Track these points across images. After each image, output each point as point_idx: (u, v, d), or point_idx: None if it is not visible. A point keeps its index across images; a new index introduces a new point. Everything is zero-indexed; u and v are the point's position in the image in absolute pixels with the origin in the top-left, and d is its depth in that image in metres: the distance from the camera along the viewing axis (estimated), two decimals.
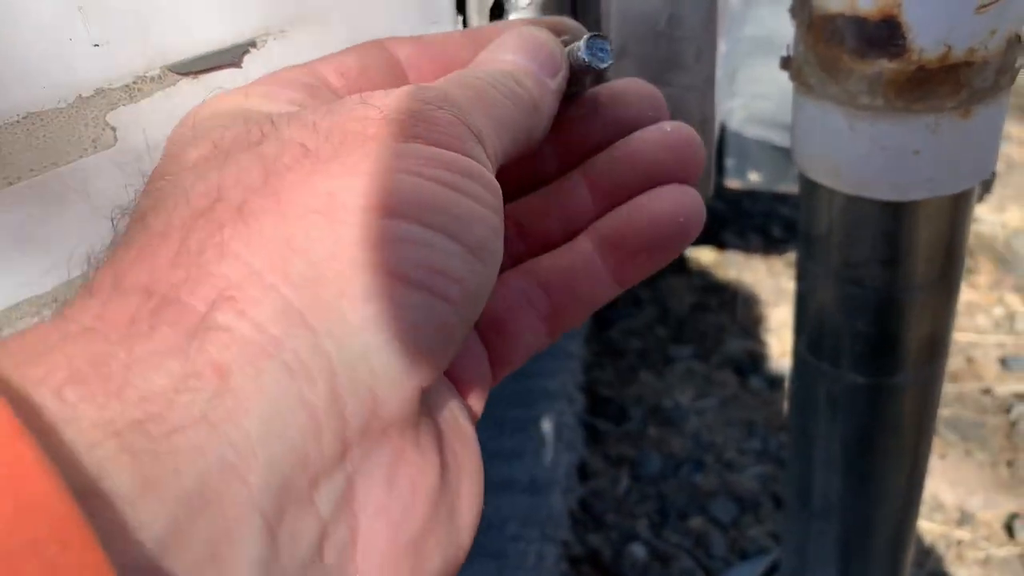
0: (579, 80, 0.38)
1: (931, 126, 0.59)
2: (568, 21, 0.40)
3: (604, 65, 0.36)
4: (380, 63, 0.36)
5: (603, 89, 0.40)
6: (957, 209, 0.66)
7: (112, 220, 0.31)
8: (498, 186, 0.29)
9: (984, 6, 0.55)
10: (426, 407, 0.27)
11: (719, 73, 0.67)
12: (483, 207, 0.27)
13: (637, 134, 0.38)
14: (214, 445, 0.21)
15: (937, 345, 0.73)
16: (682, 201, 0.36)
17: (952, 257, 0.69)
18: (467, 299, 0.26)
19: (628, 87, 0.40)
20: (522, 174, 0.40)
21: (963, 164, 0.62)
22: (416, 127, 0.27)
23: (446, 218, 0.26)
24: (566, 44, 0.38)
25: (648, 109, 0.39)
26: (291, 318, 0.23)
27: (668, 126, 0.38)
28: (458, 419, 0.30)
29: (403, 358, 0.24)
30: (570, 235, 0.38)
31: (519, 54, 0.35)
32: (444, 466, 0.27)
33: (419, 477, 0.26)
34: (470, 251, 0.26)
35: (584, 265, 0.36)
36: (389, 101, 0.28)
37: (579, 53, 0.36)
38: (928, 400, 0.78)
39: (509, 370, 0.35)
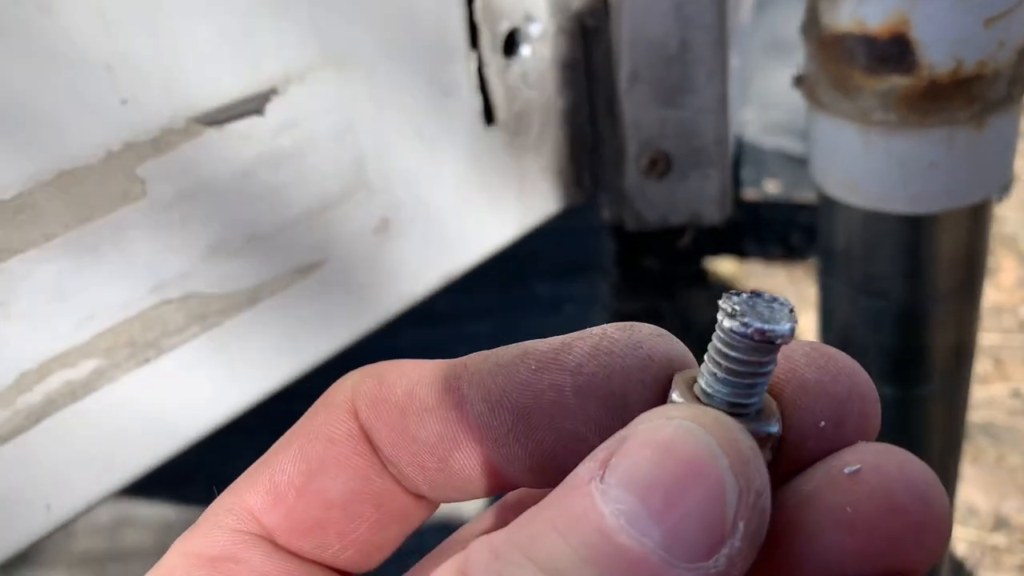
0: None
1: (946, 139, 0.59)
2: (668, 348, 0.24)
3: (784, 331, 0.21)
4: (338, 447, 0.27)
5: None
6: (976, 219, 0.66)
7: None
8: None
9: (992, 19, 0.55)
10: None
11: (732, 89, 0.68)
12: None
13: (827, 472, 0.22)
14: None
15: (962, 354, 0.73)
16: None
17: (973, 266, 0.69)
18: None
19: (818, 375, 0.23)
20: None
21: (979, 175, 0.62)
22: None
23: None
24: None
25: (854, 399, 0.23)
26: None
27: (885, 457, 0.22)
28: None
29: None
30: None
31: (635, 508, 0.19)
32: None
33: None
34: None
35: None
36: None
37: (730, 334, 0.21)
38: (955, 409, 0.77)
39: None
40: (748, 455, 0.20)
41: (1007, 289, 2.14)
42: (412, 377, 0.26)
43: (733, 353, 0.21)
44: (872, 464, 0.21)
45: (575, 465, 0.21)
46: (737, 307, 0.21)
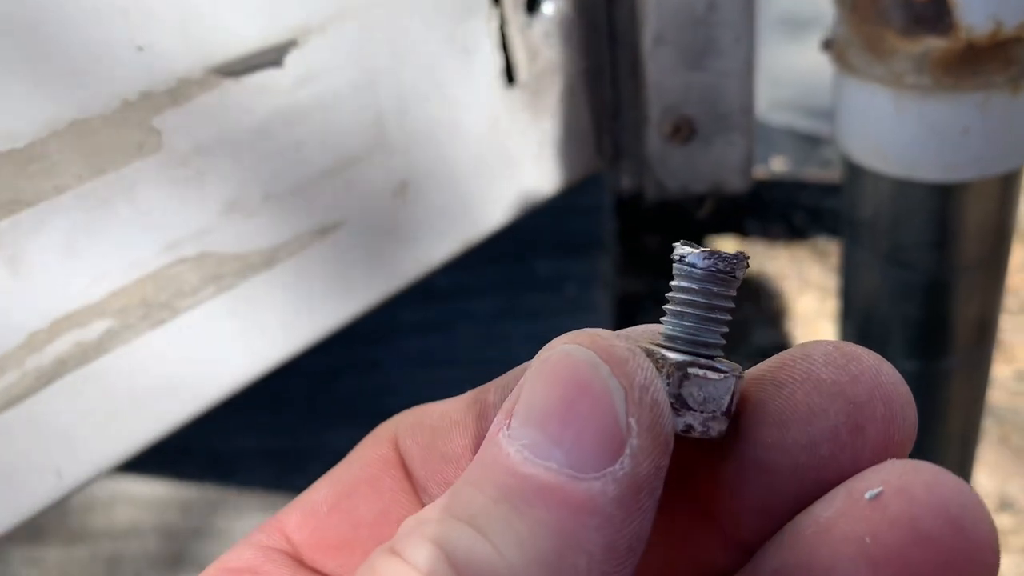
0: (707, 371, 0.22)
1: (980, 104, 0.58)
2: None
3: (738, 269, 0.22)
4: (369, 474, 0.27)
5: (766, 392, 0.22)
6: (1006, 189, 0.64)
7: None
8: None
9: None
10: None
11: (758, 47, 0.66)
12: None
13: (844, 496, 0.20)
14: None
15: (986, 328, 0.72)
16: None
17: (1001, 238, 0.68)
18: None
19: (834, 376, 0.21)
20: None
21: (1013, 142, 0.61)
22: None
23: None
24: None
25: (873, 419, 0.21)
26: None
27: (913, 477, 0.19)
28: None
29: None
30: None
31: (537, 439, 0.20)
32: None
33: None
34: None
35: None
36: None
37: (689, 267, 0.22)
38: (977, 383, 0.76)
39: None
40: (626, 356, 0.20)
41: (1013, 271, 2.13)
42: (449, 403, 0.26)
43: (688, 284, 0.22)
44: (897, 486, 0.19)
45: None
46: (693, 245, 0.22)
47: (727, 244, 2.34)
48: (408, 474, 0.27)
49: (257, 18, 0.45)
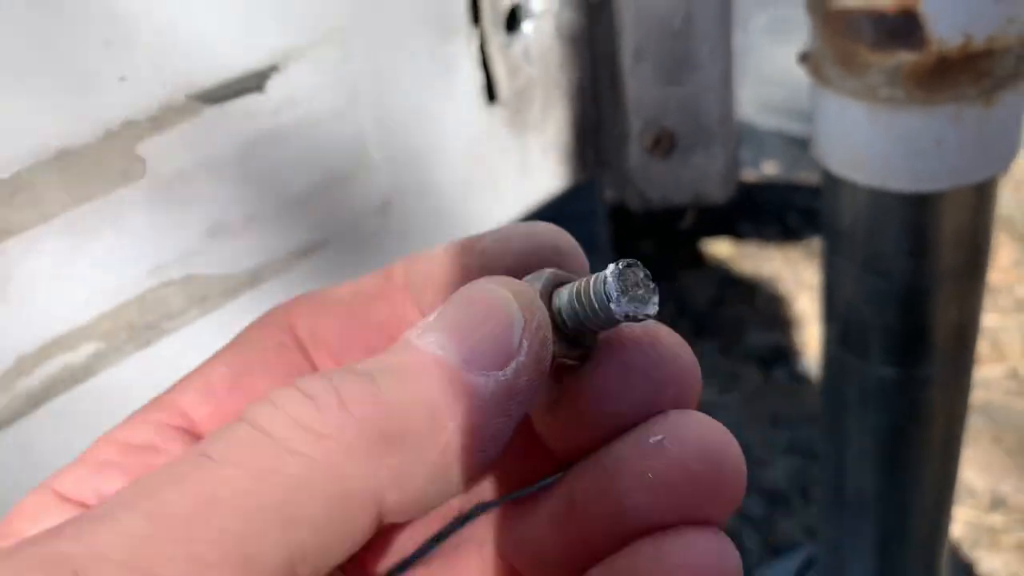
0: (582, 338, 0.26)
1: (953, 116, 0.59)
2: (556, 238, 0.28)
3: (649, 312, 0.25)
4: (267, 354, 0.29)
5: (616, 348, 0.27)
6: (982, 198, 0.65)
7: None
8: None
9: None
10: None
11: (736, 60, 0.67)
12: None
13: (637, 439, 0.25)
14: None
15: (965, 334, 0.73)
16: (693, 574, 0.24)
17: (978, 246, 0.69)
18: None
19: (650, 351, 0.26)
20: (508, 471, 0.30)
21: (986, 152, 0.62)
22: None
23: None
24: (563, 282, 0.26)
25: (670, 384, 0.26)
26: None
27: (687, 427, 0.25)
28: None
29: None
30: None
31: (446, 340, 0.23)
32: None
33: None
34: None
35: None
36: None
37: (605, 301, 0.25)
38: (958, 389, 0.77)
39: None
40: (535, 302, 0.24)
41: (1003, 269, 2.14)
42: (351, 285, 0.30)
43: (595, 308, 0.25)
44: (674, 435, 0.25)
45: None
46: (620, 282, 0.25)
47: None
48: (306, 356, 0.29)
49: (238, 45, 0.46)
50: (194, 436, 0.28)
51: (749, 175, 1.59)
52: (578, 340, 0.26)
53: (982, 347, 1.93)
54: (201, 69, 0.45)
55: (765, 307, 2.16)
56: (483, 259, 0.28)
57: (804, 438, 1.78)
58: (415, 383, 0.23)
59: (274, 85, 0.48)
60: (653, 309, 0.25)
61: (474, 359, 0.23)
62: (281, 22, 0.47)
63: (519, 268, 0.27)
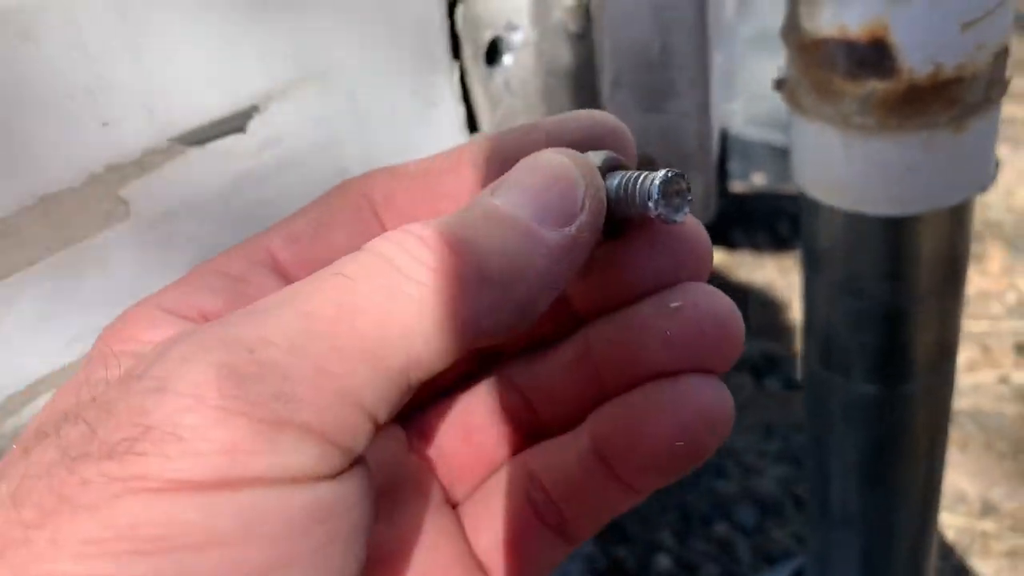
0: (621, 220, 0.30)
1: (925, 142, 0.60)
2: (615, 125, 0.32)
3: (678, 219, 0.29)
4: (344, 213, 0.32)
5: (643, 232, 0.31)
6: (957, 220, 0.66)
7: None
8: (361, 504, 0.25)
9: (969, 24, 0.56)
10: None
11: (715, 86, 0.68)
12: None
13: (658, 303, 0.30)
14: None
15: (944, 351, 0.74)
16: (696, 408, 0.29)
17: (955, 266, 0.70)
18: None
19: (675, 234, 0.31)
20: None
21: (959, 176, 0.63)
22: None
23: None
24: (622, 168, 0.30)
25: (689, 262, 0.30)
26: None
27: (701, 296, 0.30)
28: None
29: None
30: (577, 415, 0.33)
31: (519, 200, 0.27)
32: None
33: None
34: None
35: (584, 469, 0.32)
36: (183, 387, 0.22)
37: (646, 197, 0.28)
38: (939, 405, 0.78)
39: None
40: (594, 170, 0.28)
41: (994, 276, 2.15)
42: (424, 161, 0.33)
43: (635, 201, 0.29)
44: (691, 301, 0.29)
45: None
46: (664, 185, 0.28)
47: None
48: (378, 219, 0.33)
49: (218, 87, 0.47)
50: (280, 274, 0.32)
51: (739, 186, 1.60)
52: (613, 219, 0.30)
53: (973, 353, 1.94)
54: (183, 112, 0.46)
55: (758, 315, 2.17)
56: (548, 138, 0.31)
57: (797, 446, 1.79)
58: (500, 235, 0.26)
59: (256, 125, 0.49)
60: (682, 218, 0.29)
61: (545, 216, 0.27)
62: (262, 62, 0.48)
63: (579, 146, 0.30)
